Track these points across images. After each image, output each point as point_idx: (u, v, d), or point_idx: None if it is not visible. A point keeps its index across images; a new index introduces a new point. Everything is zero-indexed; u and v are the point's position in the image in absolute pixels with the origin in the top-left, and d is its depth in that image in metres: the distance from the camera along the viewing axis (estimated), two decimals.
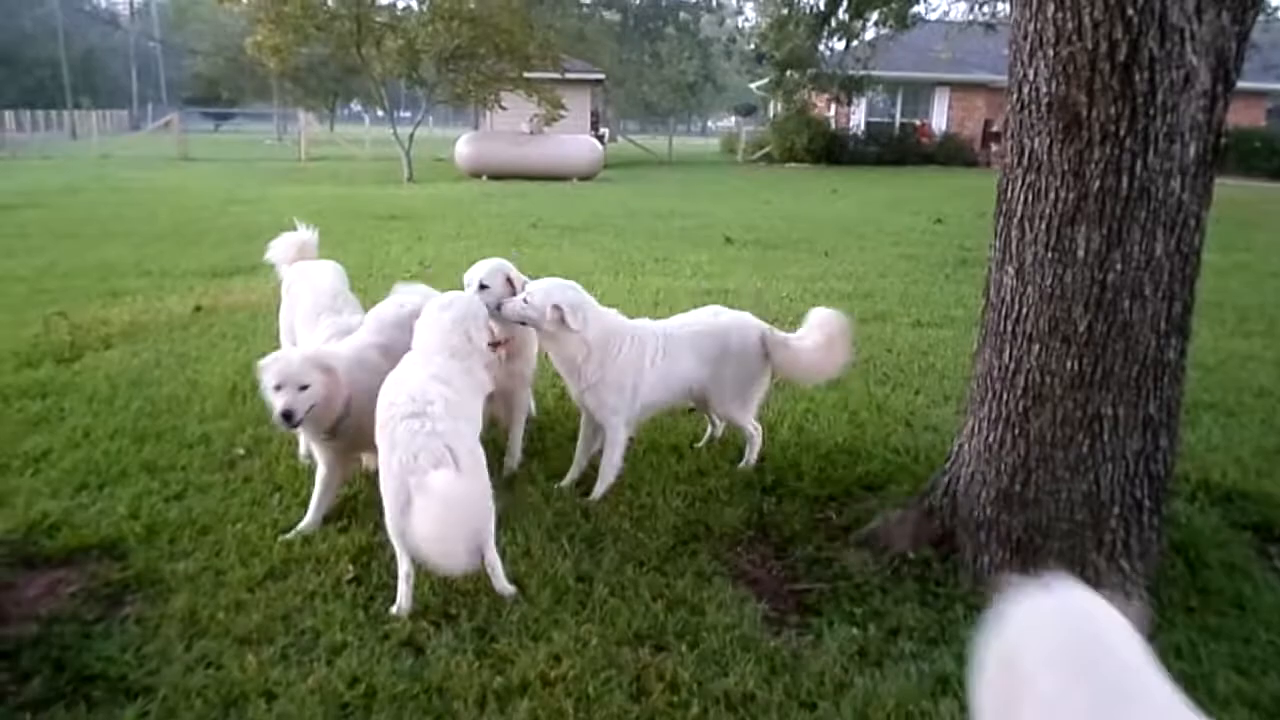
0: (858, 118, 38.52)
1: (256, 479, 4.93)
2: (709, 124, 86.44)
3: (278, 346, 5.62)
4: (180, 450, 5.30)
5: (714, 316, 5.17)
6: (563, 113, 28.04)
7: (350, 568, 4.01)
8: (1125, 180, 3.51)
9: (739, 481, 4.98)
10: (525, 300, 4.53)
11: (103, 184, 23.07)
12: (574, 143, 28.37)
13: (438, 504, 3.24)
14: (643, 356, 4.73)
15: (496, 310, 4.54)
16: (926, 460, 5.14)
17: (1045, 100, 3.60)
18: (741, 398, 5.11)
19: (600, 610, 3.70)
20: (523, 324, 4.65)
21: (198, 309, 8.89)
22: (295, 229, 6.02)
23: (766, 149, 38.03)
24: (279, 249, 5.93)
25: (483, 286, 4.68)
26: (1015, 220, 3.79)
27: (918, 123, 38.15)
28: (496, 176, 26.66)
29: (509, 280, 4.78)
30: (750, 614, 3.70)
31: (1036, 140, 3.68)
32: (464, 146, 27.83)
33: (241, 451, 5.30)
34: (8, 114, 47.01)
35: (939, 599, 3.86)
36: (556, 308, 4.47)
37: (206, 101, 62.68)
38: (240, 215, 16.66)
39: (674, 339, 4.90)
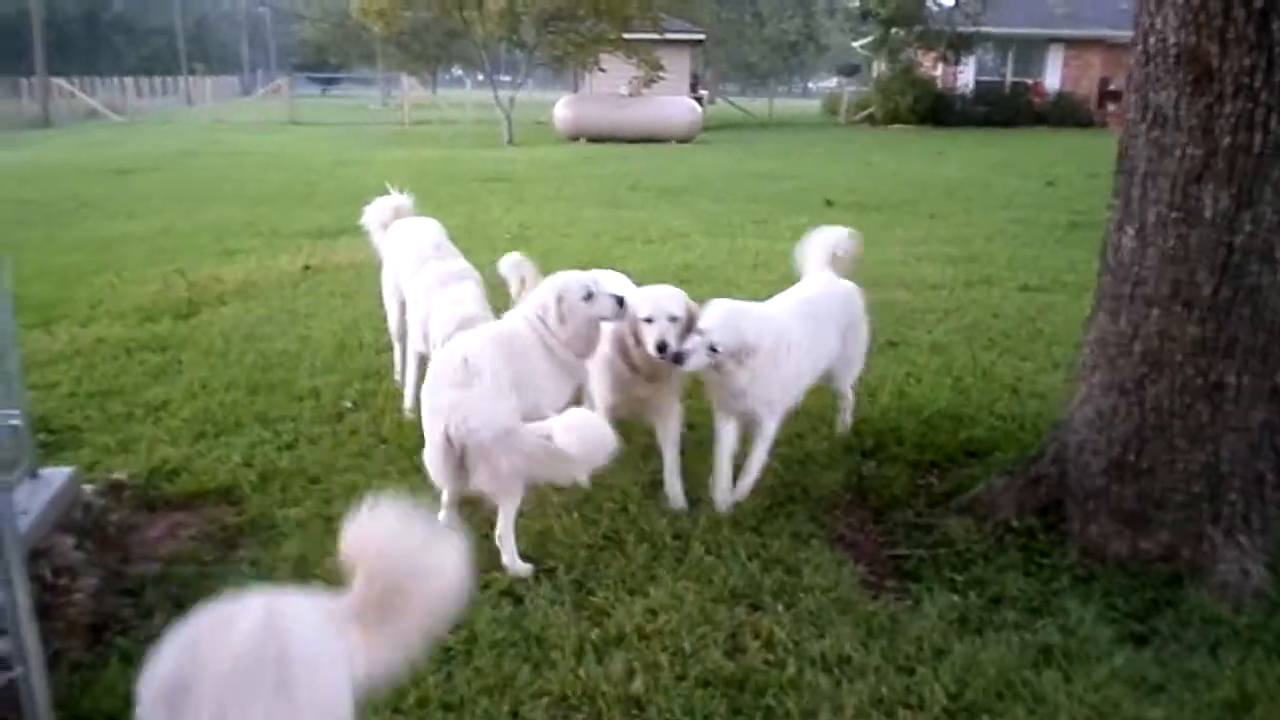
0: (966, 76, 37.28)
1: (363, 431, 5.08)
2: (810, 85, 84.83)
3: (382, 306, 5.76)
4: (291, 402, 5.49)
5: (829, 286, 4.94)
6: (661, 74, 27.84)
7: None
8: (1258, 136, 3.32)
9: (838, 445, 4.93)
10: (713, 348, 3.89)
11: (215, 148, 23.88)
12: (673, 104, 28.19)
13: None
14: (797, 345, 4.29)
15: (673, 359, 3.92)
16: (1033, 428, 5.00)
17: (1173, 52, 3.42)
18: (858, 363, 5.08)
19: (697, 568, 3.72)
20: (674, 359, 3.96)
21: (306, 268, 9.16)
22: (389, 193, 6.09)
23: (869, 110, 37.12)
24: (374, 213, 6.00)
25: (673, 319, 4.03)
26: (1137, 179, 3.63)
27: (1030, 81, 36.78)
28: (595, 139, 26.69)
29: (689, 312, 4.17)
30: (847, 577, 3.67)
31: (1163, 94, 3.50)
32: (563, 109, 27.91)
33: (349, 404, 5.47)
34: (129, 81, 48.86)
35: (1043, 569, 3.76)
36: (744, 352, 3.97)
37: (314, 67, 64.06)
38: (346, 178, 17.05)
39: (817, 317, 4.59)
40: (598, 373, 4.38)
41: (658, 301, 4.05)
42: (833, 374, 4.88)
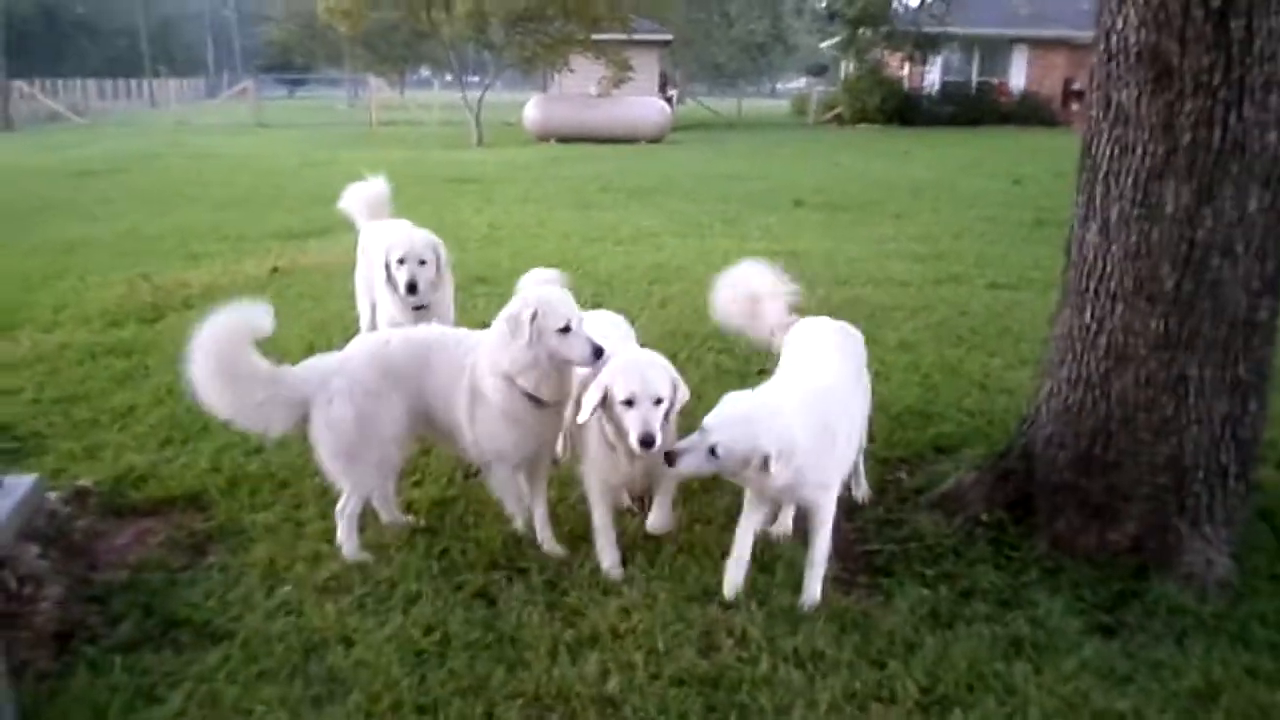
0: (932, 77, 37.64)
1: None
2: (778, 85, 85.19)
3: (352, 306, 5.72)
4: None
5: (842, 335, 4.12)
6: (630, 75, 27.88)
7: (423, 520, 4.09)
8: (1218, 133, 3.37)
9: None
10: (714, 451, 3.21)
11: (181, 150, 23.63)
12: (642, 105, 28.22)
13: None
14: (839, 417, 3.58)
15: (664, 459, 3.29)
16: (1001, 423, 5.04)
17: (1134, 50, 3.47)
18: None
19: (669, 567, 3.72)
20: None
21: (274, 270, 9.08)
22: (366, 179, 6.07)
23: (837, 110, 37.36)
24: (353, 198, 5.99)
25: (658, 401, 3.40)
26: (1100, 176, 3.68)
27: (995, 81, 37.14)
28: (564, 140, 26.67)
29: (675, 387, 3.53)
30: None
31: (1124, 92, 3.55)
32: (532, 110, 27.87)
33: None
34: (91, 83, 48.22)
35: (1013, 562, 3.80)
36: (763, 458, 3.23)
37: (280, 68, 63.54)
38: (313, 179, 16.92)
39: (849, 375, 3.87)
40: (592, 450, 3.70)
41: (643, 377, 3.38)
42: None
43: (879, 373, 5.98)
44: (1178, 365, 3.60)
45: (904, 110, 35.18)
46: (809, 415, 3.34)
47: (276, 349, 6.38)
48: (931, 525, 4.06)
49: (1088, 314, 3.77)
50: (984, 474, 4.26)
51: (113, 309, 7.59)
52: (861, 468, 4.31)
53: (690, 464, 3.21)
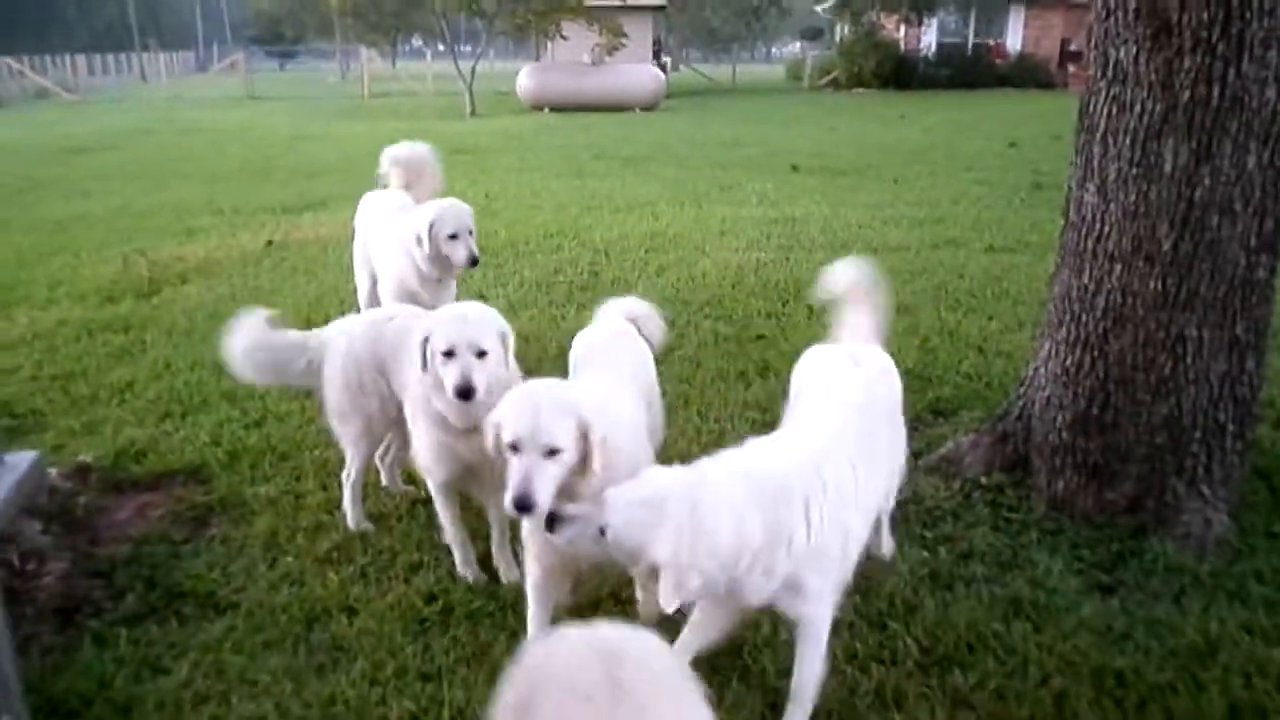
0: (928, 39, 37.35)
1: None
2: (773, 50, 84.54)
3: (348, 279, 5.71)
4: None
5: (873, 367, 3.22)
6: (624, 42, 27.60)
7: (424, 491, 4.10)
8: (1217, 90, 3.35)
9: None
10: (603, 530, 2.41)
11: (172, 125, 23.46)
12: (636, 72, 28.00)
13: None
14: (836, 489, 2.70)
15: (546, 524, 2.53)
16: (1000, 386, 5.05)
17: (1133, 6, 3.44)
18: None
19: None
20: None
21: (269, 244, 9.04)
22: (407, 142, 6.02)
23: (833, 74, 37.08)
24: (393, 158, 5.90)
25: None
26: (1098, 135, 3.65)
27: (991, 43, 36.85)
28: (558, 108, 26.49)
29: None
30: None
31: (1122, 50, 3.52)
32: (525, 79, 27.65)
33: None
34: (80, 58, 47.79)
35: (1012, 524, 3.82)
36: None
37: (270, 40, 63.01)
38: (307, 152, 16.83)
39: (868, 432, 2.97)
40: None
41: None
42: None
43: None
44: (1176, 325, 3.60)
45: (900, 73, 34.90)
46: (756, 508, 2.46)
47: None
48: (930, 488, 4.08)
49: (1086, 275, 3.76)
50: (982, 436, 4.27)
51: (108, 285, 7.56)
52: (886, 523, 3.53)
53: (571, 536, 2.47)
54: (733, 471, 2.54)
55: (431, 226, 4.69)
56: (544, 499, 2.57)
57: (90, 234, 9.72)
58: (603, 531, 2.41)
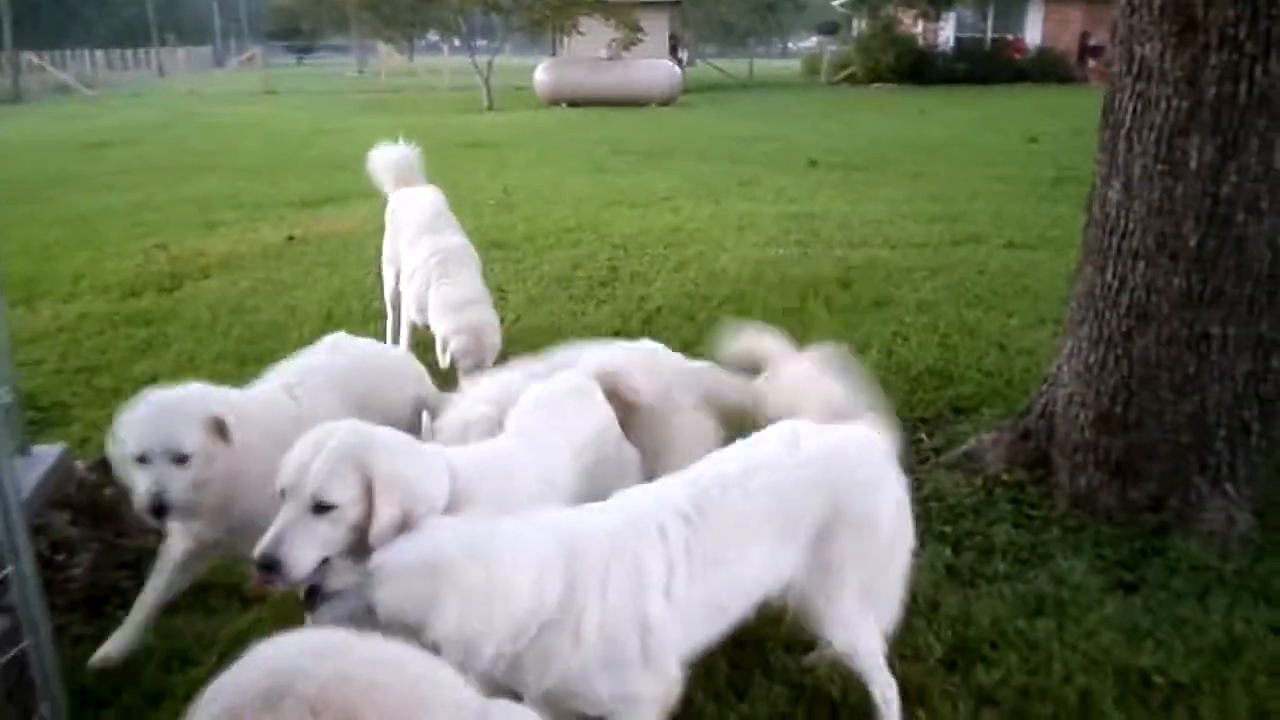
0: (946, 33, 37.14)
1: None
2: (789, 45, 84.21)
3: (369, 273, 5.74)
4: None
5: (794, 443, 2.57)
6: (640, 37, 27.61)
7: None
8: (1243, 87, 3.33)
9: None
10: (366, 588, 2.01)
11: (192, 120, 23.59)
12: (652, 67, 27.97)
13: None
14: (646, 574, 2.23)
15: (306, 595, 2.18)
16: (1021, 384, 5.04)
17: (1158, 3, 3.43)
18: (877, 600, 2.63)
19: None
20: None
21: (290, 238, 9.09)
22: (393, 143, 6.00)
23: (850, 69, 36.91)
24: (382, 161, 5.90)
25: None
26: (1123, 132, 3.64)
27: (1010, 37, 36.62)
28: (575, 103, 26.49)
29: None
30: None
31: (1148, 46, 3.51)
32: (542, 74, 27.67)
33: None
34: (99, 54, 48.06)
35: (1034, 521, 3.82)
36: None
37: (287, 35, 63.19)
38: (326, 147, 16.89)
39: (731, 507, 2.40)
40: None
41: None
42: (801, 605, 2.55)
43: (897, 334, 5.99)
44: (1200, 323, 3.58)
45: (918, 68, 34.69)
46: (558, 564, 2.09)
47: (294, 318, 6.47)
48: (952, 485, 4.08)
49: (1109, 272, 3.75)
50: (1004, 433, 4.27)
51: (131, 279, 7.62)
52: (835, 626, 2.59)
53: (335, 617, 2.01)
54: (535, 522, 2.19)
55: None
56: (299, 563, 2.15)
57: (112, 228, 9.80)
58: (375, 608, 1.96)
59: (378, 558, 2.02)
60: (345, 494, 2.19)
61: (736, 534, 2.37)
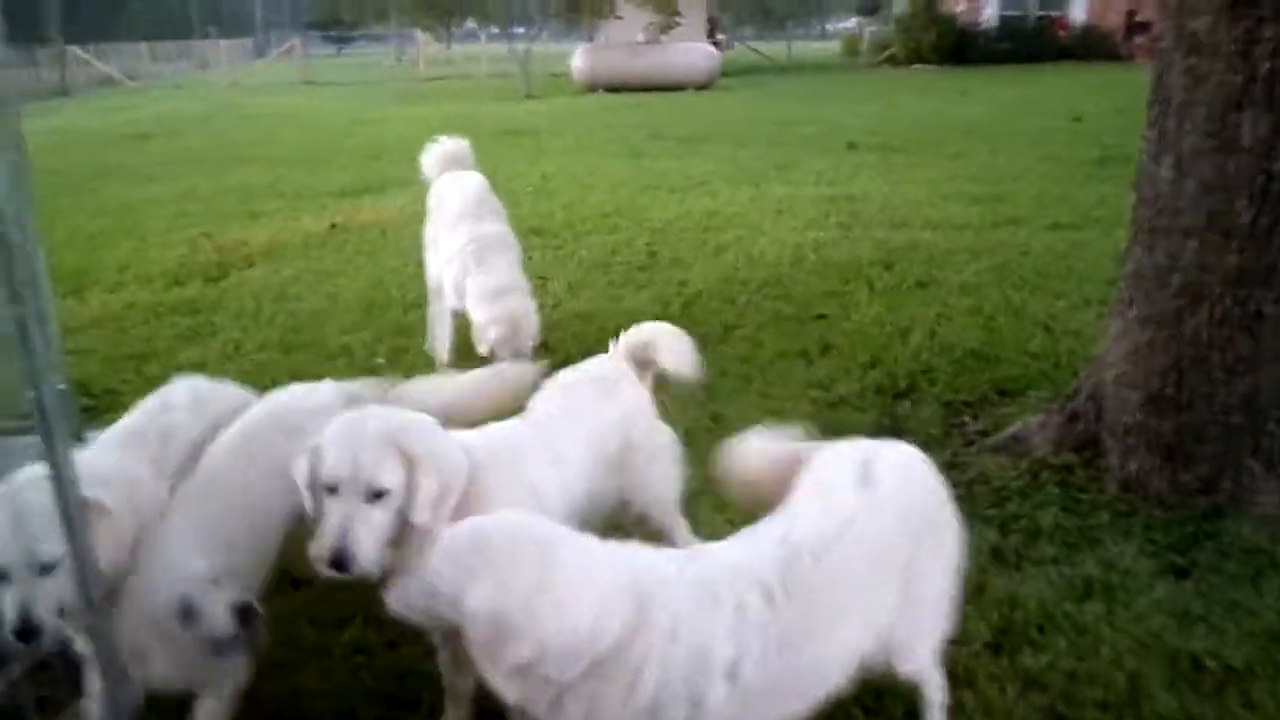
0: (989, 11, 36.46)
1: None
2: (829, 26, 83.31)
3: (409, 262, 5.77)
4: (324, 360, 5.54)
5: (865, 478, 2.39)
6: (678, 20, 27.44)
7: None
8: None
9: (870, 386, 4.92)
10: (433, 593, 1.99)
11: (233, 111, 23.85)
12: (690, 51, 27.81)
13: None
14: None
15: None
16: (1068, 365, 4.96)
17: None
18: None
19: (727, 513, 3.73)
20: None
21: (332, 227, 9.18)
22: (442, 139, 6.01)
23: (890, 50, 36.41)
24: (431, 160, 5.86)
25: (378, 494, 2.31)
26: (1173, 108, 3.56)
27: (1054, 15, 35.95)
28: (613, 89, 26.42)
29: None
30: None
31: (1199, 20, 3.43)
32: (580, 60, 27.61)
33: (381, 360, 5.51)
34: (143, 46, 48.70)
35: (1081, 504, 3.77)
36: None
37: (327, 25, 63.60)
38: (366, 136, 17.01)
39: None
40: None
41: (352, 445, 2.31)
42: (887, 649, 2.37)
43: (940, 315, 5.92)
44: (1253, 301, 3.51)
45: (960, 48, 34.14)
46: (631, 601, 1.98)
47: (336, 306, 6.54)
48: (997, 468, 4.03)
49: (1160, 251, 3.68)
50: (1051, 416, 4.21)
51: (175, 268, 7.74)
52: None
53: (407, 598, 2.03)
54: (615, 551, 2.12)
55: None
56: (368, 553, 2.20)
57: (156, 218, 9.95)
58: (433, 593, 1.97)
59: (439, 550, 2.01)
60: (395, 478, 2.24)
61: (828, 611, 2.16)
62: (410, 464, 2.27)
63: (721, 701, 2.01)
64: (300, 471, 2.35)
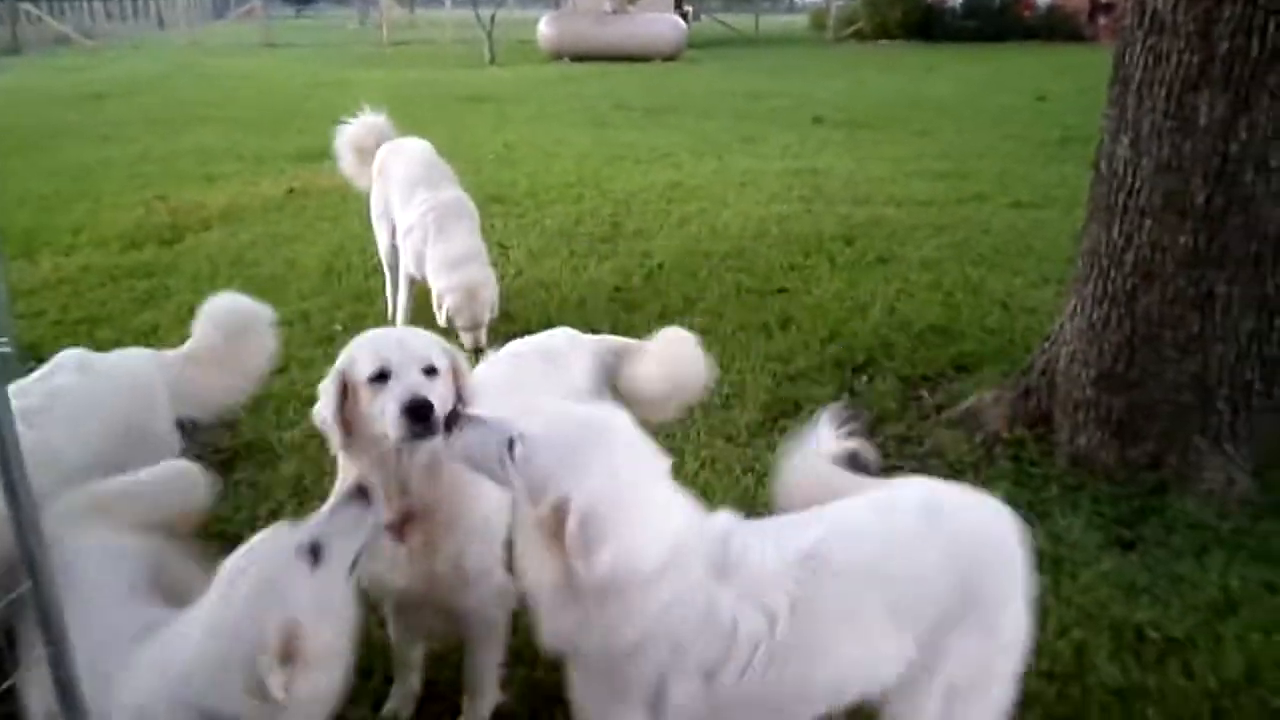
0: None
1: None
2: (796, 0, 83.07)
3: (369, 227, 5.70)
4: (281, 326, 5.38)
5: (935, 515, 2.16)
6: None
7: None
8: (1256, 41, 3.29)
9: (829, 360, 4.95)
10: (513, 448, 1.96)
11: (191, 72, 23.33)
12: (657, 22, 27.58)
13: None
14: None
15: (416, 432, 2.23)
16: (1023, 342, 5.02)
17: None
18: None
19: (692, 483, 3.75)
20: None
21: (290, 191, 9.04)
22: (362, 114, 5.90)
23: (857, 25, 36.38)
24: (350, 137, 5.78)
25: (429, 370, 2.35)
26: (1133, 87, 3.60)
27: None
28: (579, 58, 26.17)
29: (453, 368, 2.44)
30: None
31: (1160, 0, 3.45)
32: (545, 27, 27.31)
33: (340, 327, 5.45)
34: (98, 4, 47.47)
35: (1033, 479, 3.83)
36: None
37: None
38: (326, 99, 16.66)
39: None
40: None
41: (400, 342, 2.37)
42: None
43: (900, 291, 5.96)
44: (1206, 281, 3.56)
45: (926, 25, 34.17)
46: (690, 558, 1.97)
47: (294, 271, 6.45)
48: (952, 442, 4.08)
49: (1115, 230, 3.73)
50: (1005, 391, 4.26)
51: (131, 231, 7.59)
52: None
53: (469, 445, 2.03)
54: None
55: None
56: (443, 405, 2.23)
57: (112, 180, 9.74)
58: (511, 445, 1.94)
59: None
60: (444, 361, 2.36)
61: (830, 641, 2.01)
62: (450, 356, 2.39)
63: (688, 695, 1.98)
64: (327, 390, 2.35)
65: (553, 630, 2.01)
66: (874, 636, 2.03)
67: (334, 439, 2.37)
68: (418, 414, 2.19)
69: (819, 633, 1.99)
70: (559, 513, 1.85)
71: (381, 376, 2.28)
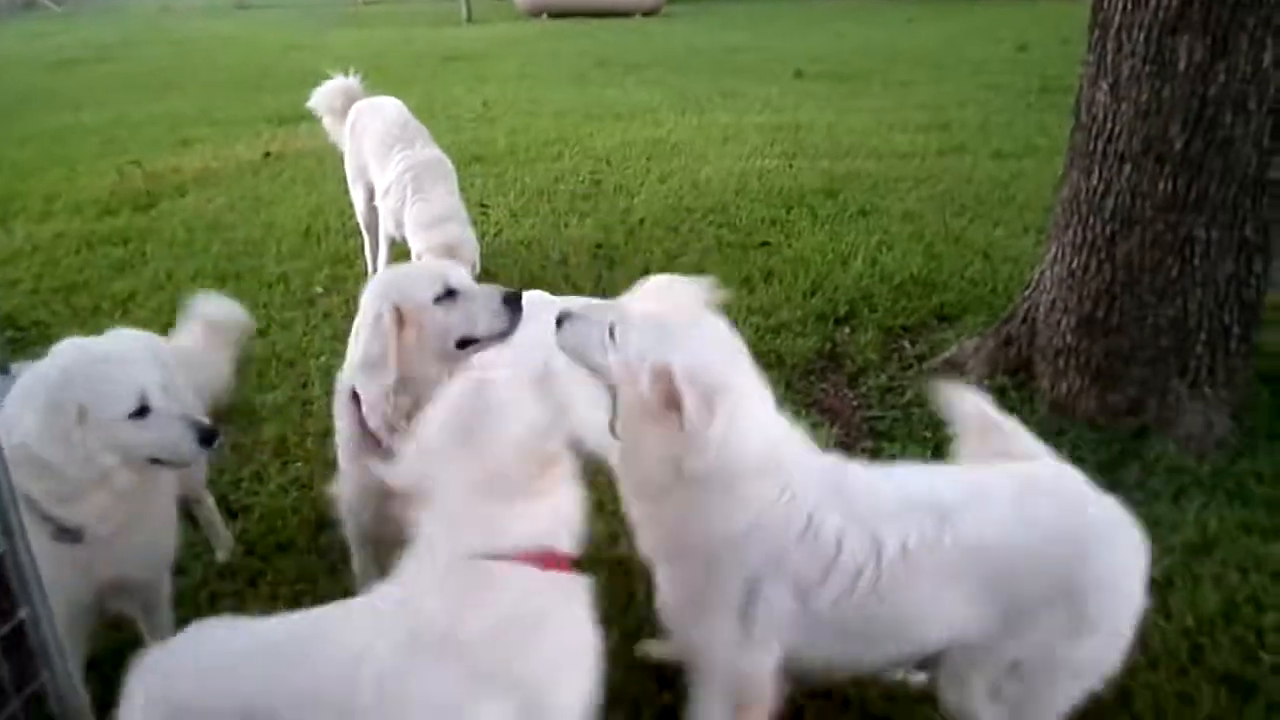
0: None
1: (335, 315, 5.05)
2: None
3: (347, 189, 5.64)
4: (261, 289, 5.43)
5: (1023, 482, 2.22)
6: None
7: None
8: None
9: (811, 312, 4.95)
10: (613, 334, 2.11)
11: (163, 36, 22.93)
12: None
13: None
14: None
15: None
16: (1004, 292, 5.03)
17: None
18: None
19: None
20: None
21: (267, 155, 8.93)
22: (335, 76, 5.82)
23: None
24: (323, 97, 5.70)
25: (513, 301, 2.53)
26: (1112, 31, 3.58)
27: None
28: (557, 15, 25.81)
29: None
30: (822, 439, 3.73)
31: None
32: None
33: (319, 290, 5.42)
34: None
35: None
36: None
37: None
38: (301, 61, 16.45)
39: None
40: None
41: (448, 266, 2.61)
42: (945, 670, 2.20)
43: (882, 243, 5.96)
44: (1185, 226, 3.57)
45: None
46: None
47: (272, 235, 6.40)
48: (934, 391, 4.09)
49: (1094, 176, 3.72)
50: (986, 340, 4.28)
51: (106, 197, 7.49)
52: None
53: (577, 333, 2.19)
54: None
55: None
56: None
57: (85, 146, 9.59)
58: (612, 332, 2.08)
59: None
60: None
61: (939, 585, 2.03)
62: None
63: (780, 611, 2.01)
64: (379, 323, 2.37)
65: (653, 525, 2.08)
66: (969, 602, 2.04)
67: (385, 377, 2.38)
68: (518, 303, 2.41)
69: (920, 584, 2.01)
70: (665, 381, 1.91)
71: (450, 294, 2.42)
